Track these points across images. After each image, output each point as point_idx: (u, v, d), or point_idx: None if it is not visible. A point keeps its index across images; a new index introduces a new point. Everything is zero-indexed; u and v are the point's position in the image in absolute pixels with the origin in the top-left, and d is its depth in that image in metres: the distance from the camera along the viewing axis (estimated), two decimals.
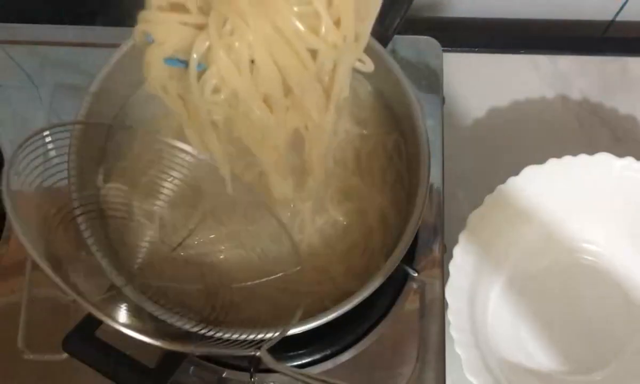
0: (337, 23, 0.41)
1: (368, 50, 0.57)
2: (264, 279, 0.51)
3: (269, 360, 0.45)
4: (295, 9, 0.40)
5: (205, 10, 0.41)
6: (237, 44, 0.40)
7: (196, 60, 0.41)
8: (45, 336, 0.58)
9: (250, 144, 0.47)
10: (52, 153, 0.50)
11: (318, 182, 0.52)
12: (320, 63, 0.43)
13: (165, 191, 0.52)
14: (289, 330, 0.46)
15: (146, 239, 0.52)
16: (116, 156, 0.55)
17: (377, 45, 0.55)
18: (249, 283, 0.51)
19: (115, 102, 0.57)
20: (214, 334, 0.46)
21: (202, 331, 0.46)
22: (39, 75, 0.67)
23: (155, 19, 0.42)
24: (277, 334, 0.46)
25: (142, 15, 0.42)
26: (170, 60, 0.42)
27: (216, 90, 0.42)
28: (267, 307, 0.51)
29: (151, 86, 0.44)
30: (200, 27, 0.41)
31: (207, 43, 0.40)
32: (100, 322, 0.47)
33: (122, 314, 0.47)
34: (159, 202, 0.53)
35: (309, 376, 0.45)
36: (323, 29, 0.41)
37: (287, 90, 0.43)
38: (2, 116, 0.65)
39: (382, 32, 0.57)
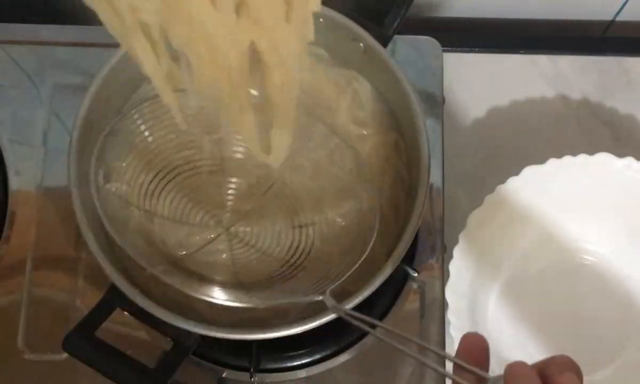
0: None
1: (368, 49, 0.57)
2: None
3: (332, 304, 0.45)
4: None
5: None
6: None
7: None
8: (45, 336, 0.58)
9: (194, 61, 0.38)
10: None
11: (286, 129, 0.44)
12: None
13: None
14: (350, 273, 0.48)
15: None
16: (116, 156, 0.55)
17: (377, 45, 0.55)
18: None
19: (116, 101, 0.57)
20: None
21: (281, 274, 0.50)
22: (39, 75, 0.67)
23: None
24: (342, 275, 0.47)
25: None
26: None
27: None
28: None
29: None
30: None
31: None
32: (100, 322, 0.48)
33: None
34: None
35: (371, 323, 0.44)
36: None
37: None
38: (2, 116, 0.65)
39: (382, 32, 0.57)
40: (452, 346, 0.56)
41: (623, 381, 0.58)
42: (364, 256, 0.48)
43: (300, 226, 0.54)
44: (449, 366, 0.38)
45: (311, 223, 0.54)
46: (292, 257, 0.52)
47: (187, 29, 0.36)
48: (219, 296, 0.48)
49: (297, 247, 0.53)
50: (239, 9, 0.35)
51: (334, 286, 0.46)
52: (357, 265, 0.48)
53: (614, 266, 0.62)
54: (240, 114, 0.42)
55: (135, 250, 0.48)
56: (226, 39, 0.36)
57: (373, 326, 0.43)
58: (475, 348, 0.38)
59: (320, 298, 0.46)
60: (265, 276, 0.52)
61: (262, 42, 0.37)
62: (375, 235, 0.49)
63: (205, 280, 0.50)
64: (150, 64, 0.38)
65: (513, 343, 0.60)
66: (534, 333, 0.60)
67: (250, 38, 0.37)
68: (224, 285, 0.50)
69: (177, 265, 0.51)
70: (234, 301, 0.47)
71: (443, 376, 0.57)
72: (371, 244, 0.49)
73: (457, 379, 0.37)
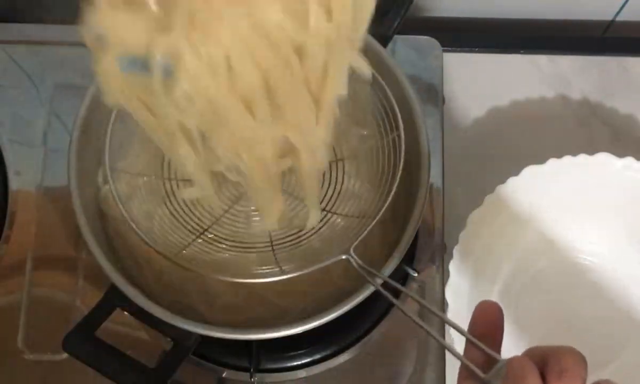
0: (328, 12, 0.35)
1: (368, 50, 0.57)
2: None
3: (356, 261, 0.47)
4: None
5: (166, 6, 0.34)
6: (208, 43, 0.34)
7: (160, 65, 0.34)
8: (45, 336, 0.58)
9: (230, 155, 0.41)
10: None
11: (316, 209, 0.51)
12: (309, 62, 0.36)
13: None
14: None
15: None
16: (116, 156, 0.55)
17: (377, 45, 0.55)
18: None
19: None
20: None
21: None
22: (39, 75, 0.67)
23: (108, 18, 0.35)
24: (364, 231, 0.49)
25: (92, 14, 0.35)
26: (129, 64, 0.36)
27: (188, 98, 0.35)
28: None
29: (112, 97, 0.38)
30: (163, 26, 0.34)
31: (173, 43, 0.34)
32: (100, 322, 0.48)
33: None
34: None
35: (395, 288, 0.45)
36: (312, 20, 0.34)
37: (270, 93, 0.37)
38: (2, 116, 0.65)
39: (382, 32, 0.57)
40: (452, 345, 0.56)
41: (623, 382, 0.58)
42: (385, 207, 0.50)
43: (331, 162, 0.55)
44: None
45: (340, 158, 0.56)
46: (323, 200, 0.54)
47: (228, 137, 0.39)
48: (245, 271, 0.50)
49: (329, 186, 0.55)
50: (273, 112, 0.38)
51: (356, 243, 0.48)
52: (379, 215, 0.49)
53: (614, 266, 0.62)
54: (271, 202, 0.47)
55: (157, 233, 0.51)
56: (262, 137, 0.40)
57: (397, 294, 0.43)
58: (489, 316, 0.38)
59: (344, 256, 0.47)
60: (298, 228, 0.53)
61: (295, 136, 0.41)
62: (394, 189, 0.51)
63: (235, 249, 0.52)
64: (192, 162, 0.42)
65: (513, 342, 0.60)
66: (533, 333, 0.60)
67: (284, 134, 0.40)
68: (252, 252, 0.52)
69: (212, 235, 0.52)
70: (260, 277, 0.48)
71: (443, 376, 0.57)
72: (392, 194, 0.51)
73: (466, 361, 0.37)
